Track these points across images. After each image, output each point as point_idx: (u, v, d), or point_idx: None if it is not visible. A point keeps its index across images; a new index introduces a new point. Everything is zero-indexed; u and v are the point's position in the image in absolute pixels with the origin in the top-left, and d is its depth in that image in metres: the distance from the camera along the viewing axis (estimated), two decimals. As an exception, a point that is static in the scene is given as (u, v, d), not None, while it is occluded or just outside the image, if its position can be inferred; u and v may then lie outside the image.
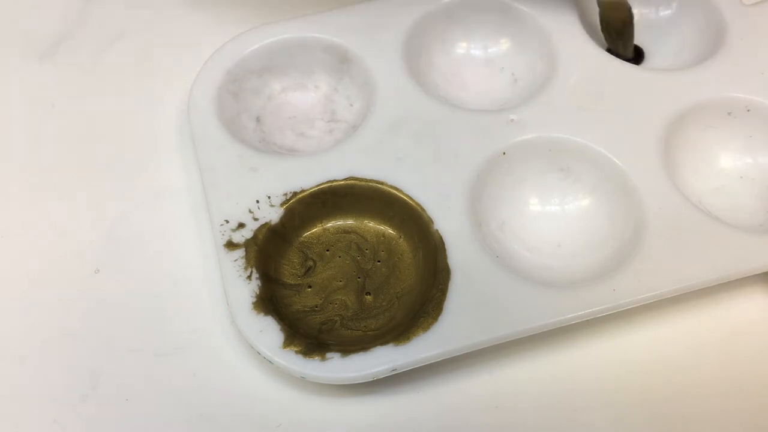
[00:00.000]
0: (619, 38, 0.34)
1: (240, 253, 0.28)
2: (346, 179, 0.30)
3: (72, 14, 0.38)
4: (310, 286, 0.29)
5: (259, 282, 0.28)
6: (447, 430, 0.27)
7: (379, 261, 0.30)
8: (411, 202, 0.29)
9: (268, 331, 0.26)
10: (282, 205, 0.29)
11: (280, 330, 0.26)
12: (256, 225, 0.29)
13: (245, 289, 0.27)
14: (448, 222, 0.28)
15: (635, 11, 0.37)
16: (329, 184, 0.30)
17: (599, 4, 0.34)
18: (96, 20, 0.38)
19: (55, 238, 0.31)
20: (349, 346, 0.26)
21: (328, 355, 0.26)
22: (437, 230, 0.28)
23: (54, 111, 0.35)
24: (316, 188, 0.30)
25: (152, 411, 0.27)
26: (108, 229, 0.31)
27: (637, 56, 0.36)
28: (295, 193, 0.30)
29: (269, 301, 0.27)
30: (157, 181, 0.33)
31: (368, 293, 0.29)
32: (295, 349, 0.26)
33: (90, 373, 0.28)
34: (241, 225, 0.29)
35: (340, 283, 0.29)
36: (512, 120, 0.31)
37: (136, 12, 0.38)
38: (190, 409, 0.27)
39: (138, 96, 0.35)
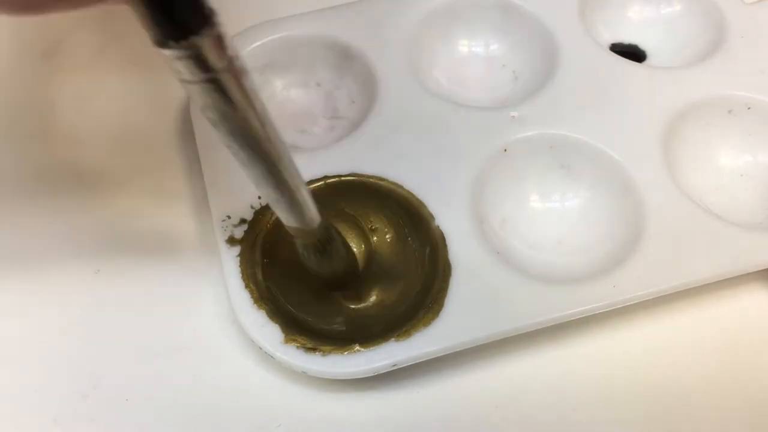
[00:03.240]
0: (324, 259, 0.26)
1: (241, 248, 0.28)
2: (347, 175, 0.30)
3: (71, 14, 0.38)
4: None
5: (261, 277, 0.28)
6: (448, 426, 0.27)
7: (380, 257, 0.30)
8: (412, 198, 0.29)
9: (269, 326, 0.26)
10: (283, 201, 0.29)
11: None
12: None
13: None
14: (449, 218, 0.29)
15: (637, 9, 0.37)
16: (331, 180, 0.30)
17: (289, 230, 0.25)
18: (95, 20, 0.38)
19: (55, 238, 0.31)
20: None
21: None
22: (438, 226, 0.28)
23: (53, 112, 0.35)
24: (316, 185, 0.30)
25: (152, 411, 0.27)
26: (108, 228, 0.31)
27: (638, 58, 0.36)
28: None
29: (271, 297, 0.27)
30: (158, 178, 0.33)
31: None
32: (297, 344, 0.26)
33: (90, 373, 0.27)
34: (243, 220, 0.29)
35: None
36: (513, 117, 0.31)
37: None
38: (191, 409, 0.27)
39: (139, 94, 0.35)
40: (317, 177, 0.30)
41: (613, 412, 0.27)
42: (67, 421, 0.27)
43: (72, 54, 0.37)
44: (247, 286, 0.27)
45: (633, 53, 0.36)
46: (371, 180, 0.30)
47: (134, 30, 0.39)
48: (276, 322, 0.26)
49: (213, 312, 0.29)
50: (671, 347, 0.28)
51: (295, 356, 0.26)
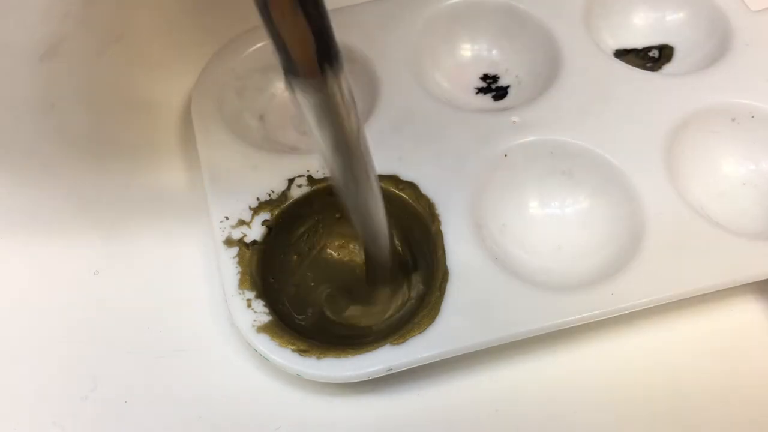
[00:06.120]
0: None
1: (239, 249, 0.28)
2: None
3: (72, 14, 0.38)
4: (309, 284, 0.29)
5: (258, 279, 0.28)
6: (447, 429, 0.26)
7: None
8: (412, 202, 0.29)
9: (265, 329, 0.26)
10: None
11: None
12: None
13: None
14: (449, 223, 0.28)
15: (643, 15, 0.37)
16: (330, 183, 0.30)
17: None
18: (96, 20, 0.38)
19: (54, 239, 0.31)
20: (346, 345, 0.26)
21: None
22: (437, 231, 0.28)
23: (54, 112, 0.35)
24: (316, 186, 0.30)
25: (151, 413, 0.27)
26: (108, 230, 0.31)
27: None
28: (295, 191, 0.30)
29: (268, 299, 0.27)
30: (158, 180, 0.33)
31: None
32: (292, 347, 0.26)
33: (89, 375, 0.28)
34: (242, 222, 0.29)
35: (339, 279, 0.29)
36: (514, 122, 0.31)
37: (137, 11, 0.38)
38: (189, 411, 0.27)
39: (140, 95, 0.35)
40: (318, 178, 0.30)
41: (612, 415, 0.27)
42: (66, 422, 0.27)
43: (72, 54, 0.37)
44: (243, 289, 0.27)
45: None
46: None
47: (134, 30, 0.39)
48: (272, 325, 0.26)
49: (212, 314, 0.29)
50: (670, 354, 0.28)
51: (290, 359, 0.26)
